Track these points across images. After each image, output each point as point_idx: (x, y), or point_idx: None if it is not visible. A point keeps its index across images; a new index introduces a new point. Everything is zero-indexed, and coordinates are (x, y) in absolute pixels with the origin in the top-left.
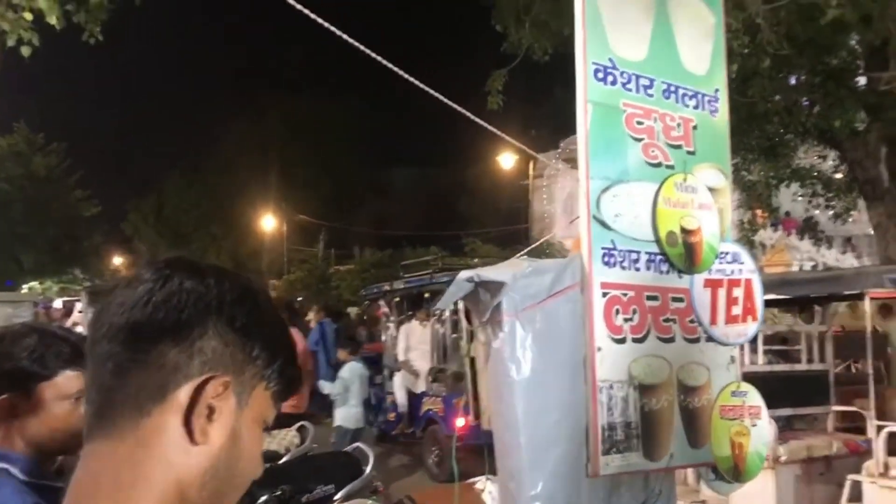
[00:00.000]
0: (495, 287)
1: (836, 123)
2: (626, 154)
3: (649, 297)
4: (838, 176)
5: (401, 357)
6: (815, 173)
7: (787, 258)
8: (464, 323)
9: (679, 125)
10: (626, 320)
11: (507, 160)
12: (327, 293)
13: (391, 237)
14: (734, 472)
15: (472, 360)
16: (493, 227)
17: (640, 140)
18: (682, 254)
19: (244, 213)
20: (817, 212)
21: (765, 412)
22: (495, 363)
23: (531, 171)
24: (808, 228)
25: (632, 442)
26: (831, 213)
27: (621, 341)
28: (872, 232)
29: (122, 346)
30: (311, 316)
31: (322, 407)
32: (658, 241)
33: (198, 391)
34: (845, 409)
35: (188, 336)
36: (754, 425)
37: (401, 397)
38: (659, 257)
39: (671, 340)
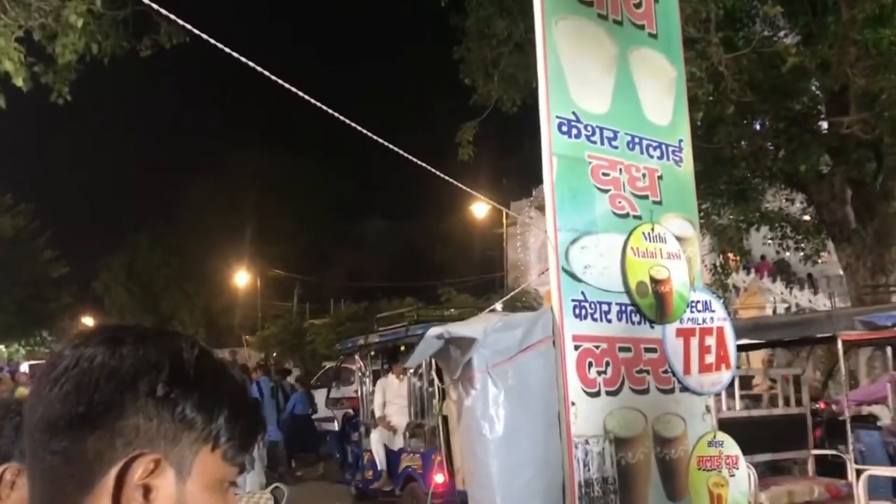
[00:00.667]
0: (466, 343)
1: (801, 167)
2: (594, 205)
3: (622, 349)
4: (807, 218)
5: (377, 412)
6: (784, 216)
7: (761, 300)
8: (435, 381)
9: (644, 176)
10: (599, 373)
11: (479, 209)
12: (302, 348)
13: (366, 289)
14: None
15: (445, 419)
16: (467, 276)
17: (606, 191)
18: (653, 304)
19: (216, 270)
20: (788, 254)
21: (742, 461)
22: (468, 421)
23: (504, 220)
24: (780, 271)
25: (609, 498)
26: (801, 255)
27: (595, 395)
28: (842, 273)
29: (42, 440)
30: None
31: None
32: (628, 291)
33: (122, 475)
34: (824, 452)
35: (104, 420)
36: (732, 475)
37: (378, 454)
38: (630, 308)
39: (645, 392)
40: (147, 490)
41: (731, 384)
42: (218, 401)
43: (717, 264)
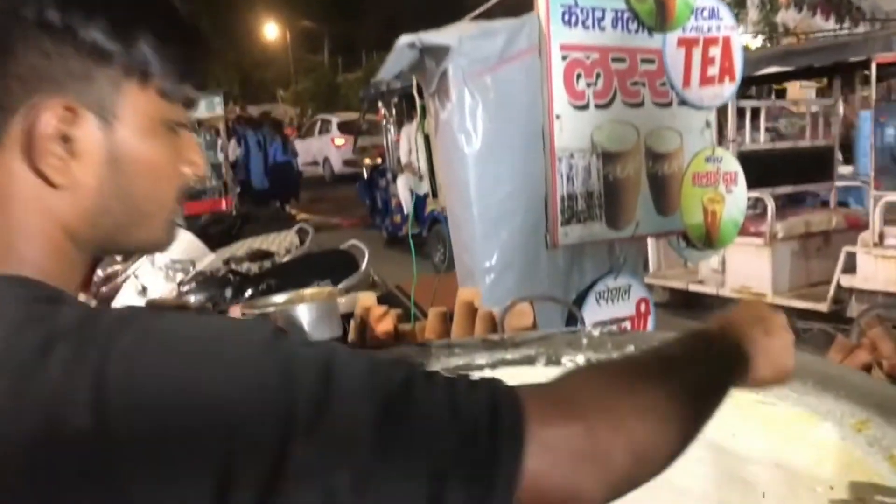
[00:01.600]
0: (440, 52)
1: None
2: None
3: (615, 60)
4: None
5: (403, 159)
6: None
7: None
8: (416, 96)
9: None
10: (588, 85)
11: None
12: (336, 102)
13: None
14: (706, 239)
15: (427, 138)
16: (501, 15)
17: None
18: (653, 10)
19: (246, 24)
20: None
21: (741, 178)
22: (444, 135)
23: None
24: (834, 7)
25: (594, 211)
26: None
27: (583, 108)
28: None
29: None
30: None
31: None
32: None
33: (31, 128)
34: (847, 184)
35: None
36: (729, 192)
37: (405, 199)
38: (627, 14)
39: (639, 105)
40: (65, 140)
41: (756, 116)
42: (135, 22)
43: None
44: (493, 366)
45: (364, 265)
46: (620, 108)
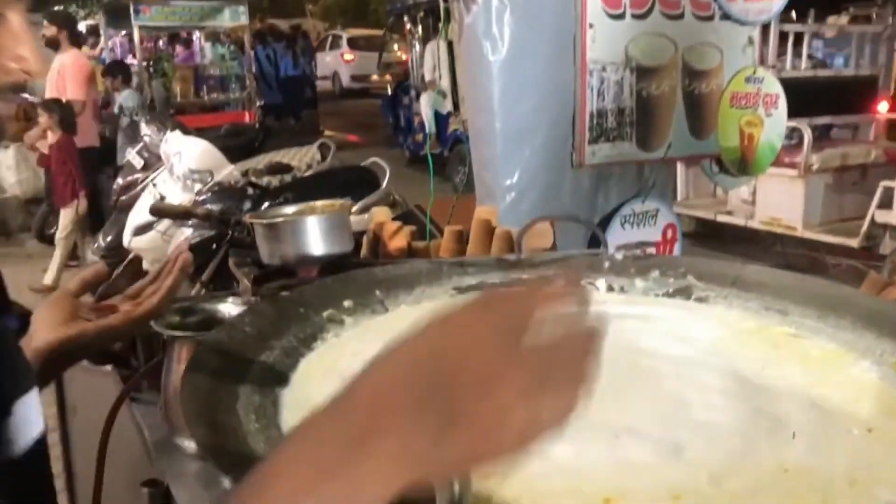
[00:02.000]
0: None
1: None
2: None
3: None
4: None
5: (427, 76)
6: None
7: None
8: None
9: None
10: None
11: None
12: (365, 17)
13: None
14: (741, 164)
15: (450, 45)
16: None
17: None
18: None
19: None
20: None
21: (782, 101)
22: (468, 41)
23: None
24: None
25: (624, 130)
26: None
27: (619, 17)
28: None
29: None
30: None
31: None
32: None
33: None
34: (891, 115)
35: None
36: (769, 115)
37: (428, 117)
38: None
39: (679, 17)
40: None
41: (800, 41)
42: None
43: None
44: (508, 286)
45: (385, 183)
46: (658, 19)
